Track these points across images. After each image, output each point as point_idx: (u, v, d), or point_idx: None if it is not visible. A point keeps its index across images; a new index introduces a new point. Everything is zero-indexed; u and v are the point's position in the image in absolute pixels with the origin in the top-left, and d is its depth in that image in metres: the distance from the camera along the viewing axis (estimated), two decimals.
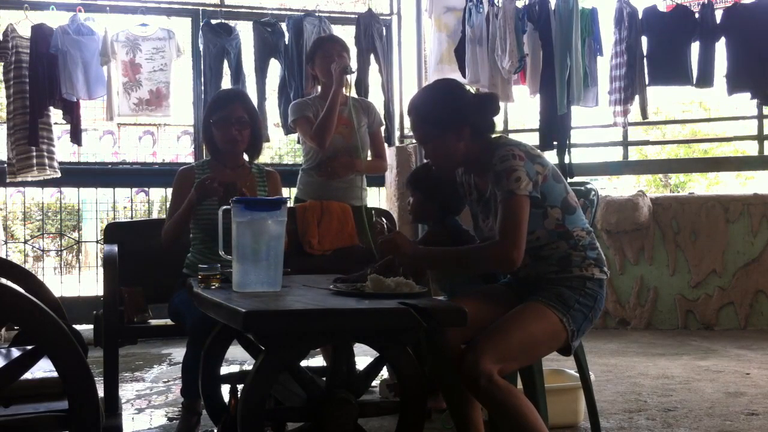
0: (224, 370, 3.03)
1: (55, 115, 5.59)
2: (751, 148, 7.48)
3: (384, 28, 6.23)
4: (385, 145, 4.18)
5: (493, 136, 2.49)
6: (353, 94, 3.96)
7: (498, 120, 2.54)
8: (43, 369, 2.05)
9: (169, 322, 3.20)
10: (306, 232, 3.60)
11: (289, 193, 4.59)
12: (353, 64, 4.05)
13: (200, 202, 3.04)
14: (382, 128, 4.08)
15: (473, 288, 2.61)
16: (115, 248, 3.25)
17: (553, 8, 5.72)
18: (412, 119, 2.49)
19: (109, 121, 5.95)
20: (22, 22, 5.52)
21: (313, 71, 3.81)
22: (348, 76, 3.68)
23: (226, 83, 5.86)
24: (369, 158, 3.86)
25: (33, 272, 3.43)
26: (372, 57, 6.10)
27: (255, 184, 3.25)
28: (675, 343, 5.21)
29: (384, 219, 3.32)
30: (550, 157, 3.08)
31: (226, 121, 3.18)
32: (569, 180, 2.54)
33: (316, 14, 6.00)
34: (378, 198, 6.55)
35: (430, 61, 6.23)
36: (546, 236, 2.35)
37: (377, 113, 3.93)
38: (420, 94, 2.56)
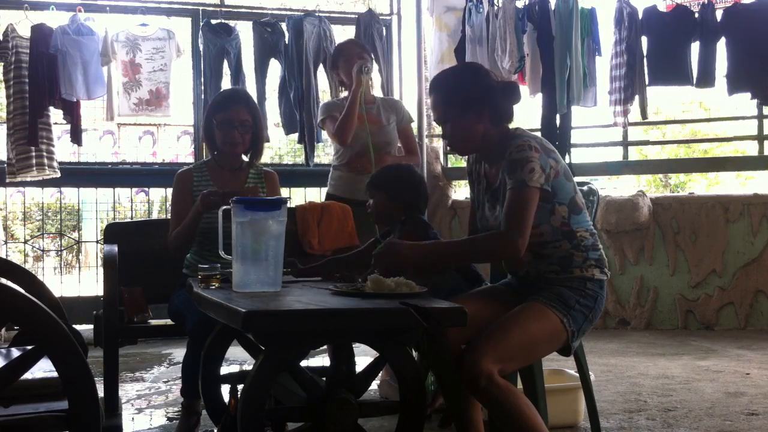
0: (224, 370, 3.03)
1: (55, 115, 5.58)
2: (751, 148, 7.47)
3: (384, 28, 6.23)
4: (417, 141, 4.29)
5: (510, 127, 2.48)
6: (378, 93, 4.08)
7: None
8: (43, 369, 2.05)
9: (169, 322, 3.20)
10: (306, 232, 3.60)
11: (289, 193, 4.59)
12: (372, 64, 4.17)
13: (207, 211, 3.03)
14: (413, 125, 4.19)
15: (457, 290, 2.55)
16: (115, 248, 3.24)
17: (552, 8, 5.73)
18: (433, 97, 2.47)
19: (109, 121, 5.94)
20: (22, 22, 5.52)
21: (339, 76, 3.99)
22: (369, 76, 3.87)
23: (226, 83, 5.86)
24: (399, 154, 4.01)
25: (33, 272, 3.42)
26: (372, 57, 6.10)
27: (258, 190, 3.23)
28: (675, 343, 5.21)
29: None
30: None
31: (229, 124, 3.17)
32: None
33: (316, 14, 6.01)
34: None
35: (431, 61, 6.23)
36: (550, 233, 2.34)
37: (406, 110, 4.07)
38: (445, 72, 2.55)
